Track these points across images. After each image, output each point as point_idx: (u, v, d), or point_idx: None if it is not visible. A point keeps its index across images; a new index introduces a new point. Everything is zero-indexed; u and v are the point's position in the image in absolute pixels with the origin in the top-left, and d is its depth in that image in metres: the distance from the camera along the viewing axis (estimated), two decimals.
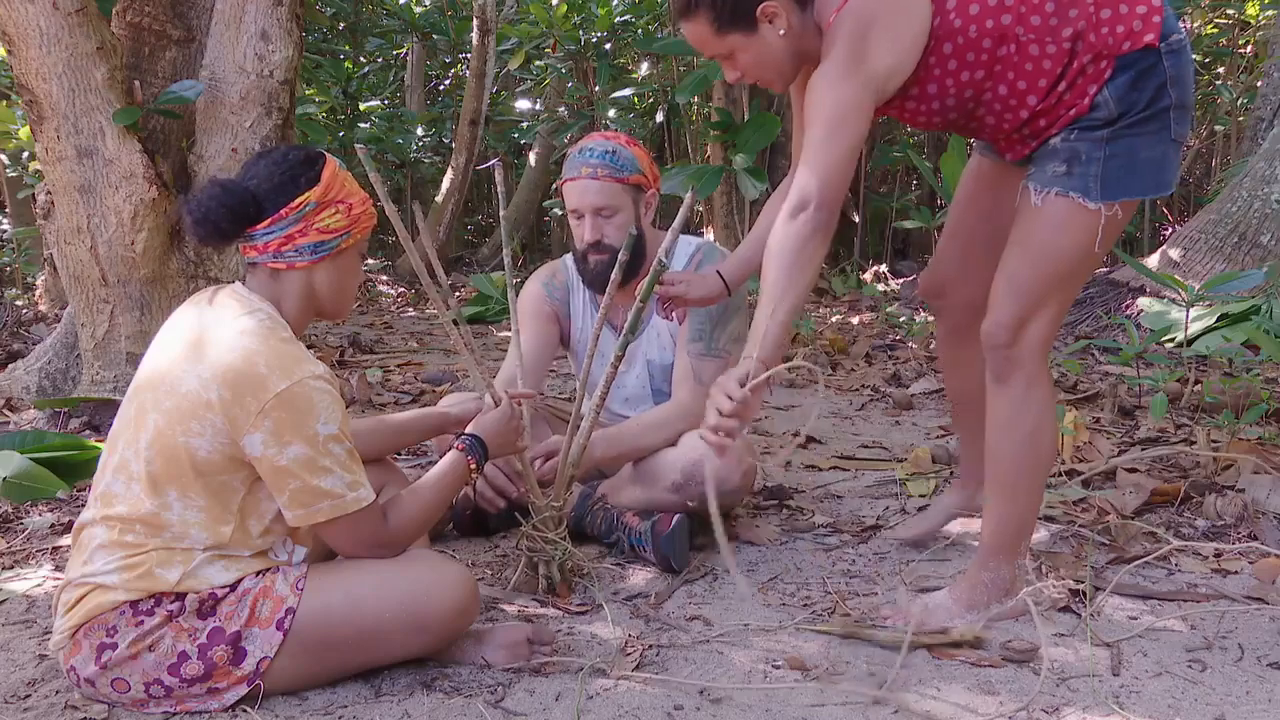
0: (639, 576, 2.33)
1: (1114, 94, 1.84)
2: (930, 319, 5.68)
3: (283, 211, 1.75)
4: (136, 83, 3.31)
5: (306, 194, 1.75)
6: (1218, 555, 2.39)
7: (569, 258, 2.72)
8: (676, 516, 2.34)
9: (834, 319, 6.51)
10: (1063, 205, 1.88)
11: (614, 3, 8.04)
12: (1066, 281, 1.93)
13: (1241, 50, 8.21)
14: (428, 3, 10.71)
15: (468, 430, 2.02)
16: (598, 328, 2.14)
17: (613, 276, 2.10)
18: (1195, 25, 8.15)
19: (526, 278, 2.79)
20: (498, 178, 2.27)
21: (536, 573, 2.21)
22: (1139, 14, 1.84)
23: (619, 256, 2.09)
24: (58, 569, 2.38)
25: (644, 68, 8.96)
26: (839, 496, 2.95)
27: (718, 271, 2.28)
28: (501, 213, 2.31)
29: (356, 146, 1.96)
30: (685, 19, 1.93)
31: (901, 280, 7.83)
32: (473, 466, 1.95)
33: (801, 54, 1.95)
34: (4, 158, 6.89)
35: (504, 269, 2.39)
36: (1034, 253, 1.90)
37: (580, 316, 2.71)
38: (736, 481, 2.37)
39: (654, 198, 2.54)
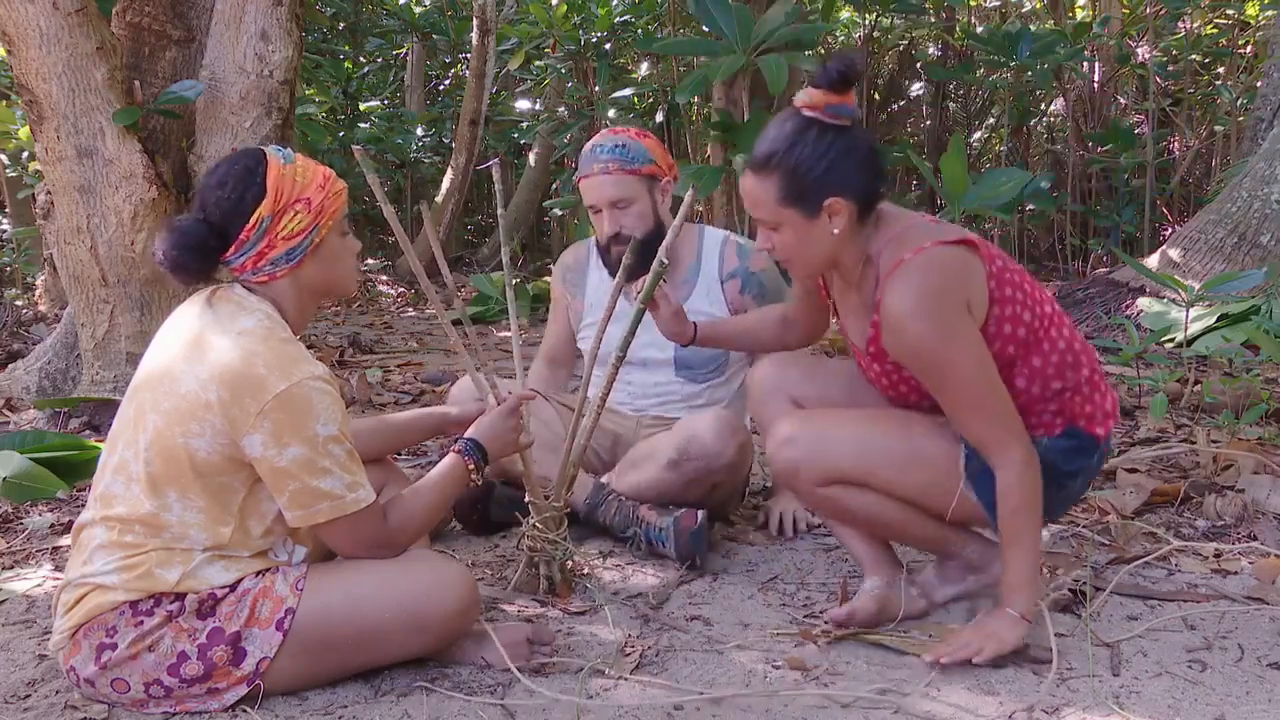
0: (639, 577, 2.33)
1: (1053, 448, 1.94)
2: None
3: (242, 235, 1.73)
4: (136, 83, 3.31)
5: (257, 210, 1.72)
6: (1218, 555, 2.39)
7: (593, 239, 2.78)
8: (700, 513, 2.36)
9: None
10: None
11: (614, 3, 8.03)
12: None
13: (1241, 50, 8.21)
14: (428, 3, 10.69)
15: (467, 434, 2.02)
16: (612, 299, 2.17)
17: (623, 265, 2.15)
18: (1195, 25, 8.15)
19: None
20: (496, 177, 2.28)
21: (537, 572, 2.21)
22: (1104, 407, 1.99)
23: (624, 258, 2.15)
24: (57, 569, 2.38)
25: (644, 68, 8.95)
26: None
27: (695, 324, 2.29)
28: (500, 213, 2.32)
29: (354, 148, 1.93)
30: (755, 173, 1.86)
31: None
32: (471, 469, 1.94)
33: (835, 261, 1.93)
34: (4, 158, 6.88)
35: (504, 269, 2.39)
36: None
37: (593, 290, 2.75)
38: (731, 455, 2.38)
39: (670, 185, 2.60)
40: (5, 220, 7.58)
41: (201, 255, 1.73)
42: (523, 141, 10.52)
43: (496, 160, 2.41)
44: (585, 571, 2.28)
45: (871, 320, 1.92)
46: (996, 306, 1.88)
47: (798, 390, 2.14)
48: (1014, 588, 1.87)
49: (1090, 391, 1.97)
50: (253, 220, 1.72)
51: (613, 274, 2.60)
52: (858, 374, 2.13)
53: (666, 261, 2.10)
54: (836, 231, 1.86)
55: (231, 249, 1.74)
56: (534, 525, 2.19)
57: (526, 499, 2.22)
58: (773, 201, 1.85)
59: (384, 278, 8.83)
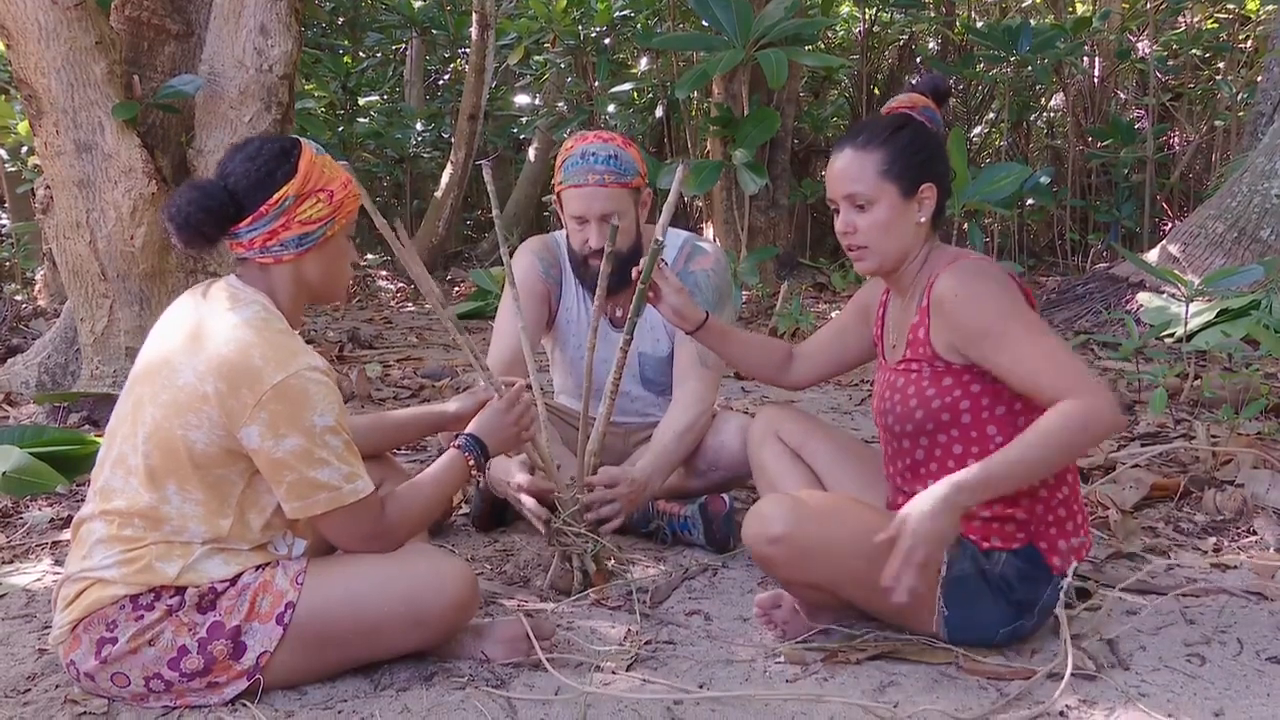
0: (639, 572, 2.34)
1: (1008, 563, 1.85)
2: None
3: (262, 209, 1.73)
4: (135, 77, 3.30)
5: (284, 188, 1.73)
6: (1217, 550, 2.39)
7: (559, 235, 2.68)
8: (727, 496, 2.42)
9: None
10: None
11: None
12: None
13: (1241, 45, 8.20)
14: None
15: (468, 429, 2.01)
16: (594, 327, 2.15)
17: (601, 278, 2.11)
18: (1195, 20, 8.15)
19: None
20: (488, 178, 2.26)
21: (571, 566, 2.21)
22: (1071, 542, 1.88)
23: (603, 267, 2.11)
24: (57, 564, 2.38)
25: (643, 63, 8.95)
26: None
27: (708, 313, 2.21)
28: (495, 213, 2.28)
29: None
30: (857, 149, 1.86)
31: None
32: (471, 464, 1.94)
33: (903, 261, 1.92)
34: (3, 153, 6.88)
35: (503, 265, 2.38)
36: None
37: (571, 298, 2.66)
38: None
39: (649, 197, 2.53)
40: (4, 215, 7.57)
41: (215, 219, 1.72)
42: (522, 136, 10.52)
43: (488, 162, 2.38)
44: (612, 560, 2.26)
45: (917, 308, 1.89)
46: None
47: (794, 439, 2.18)
48: (962, 478, 1.69)
49: (1065, 516, 1.88)
50: (276, 196, 1.72)
51: (589, 288, 2.56)
52: (852, 441, 2.18)
53: (663, 240, 2.09)
54: (922, 220, 1.88)
55: (247, 220, 1.73)
56: (563, 520, 2.17)
57: (554, 494, 2.19)
58: (874, 174, 1.85)
59: (383, 273, 8.83)
